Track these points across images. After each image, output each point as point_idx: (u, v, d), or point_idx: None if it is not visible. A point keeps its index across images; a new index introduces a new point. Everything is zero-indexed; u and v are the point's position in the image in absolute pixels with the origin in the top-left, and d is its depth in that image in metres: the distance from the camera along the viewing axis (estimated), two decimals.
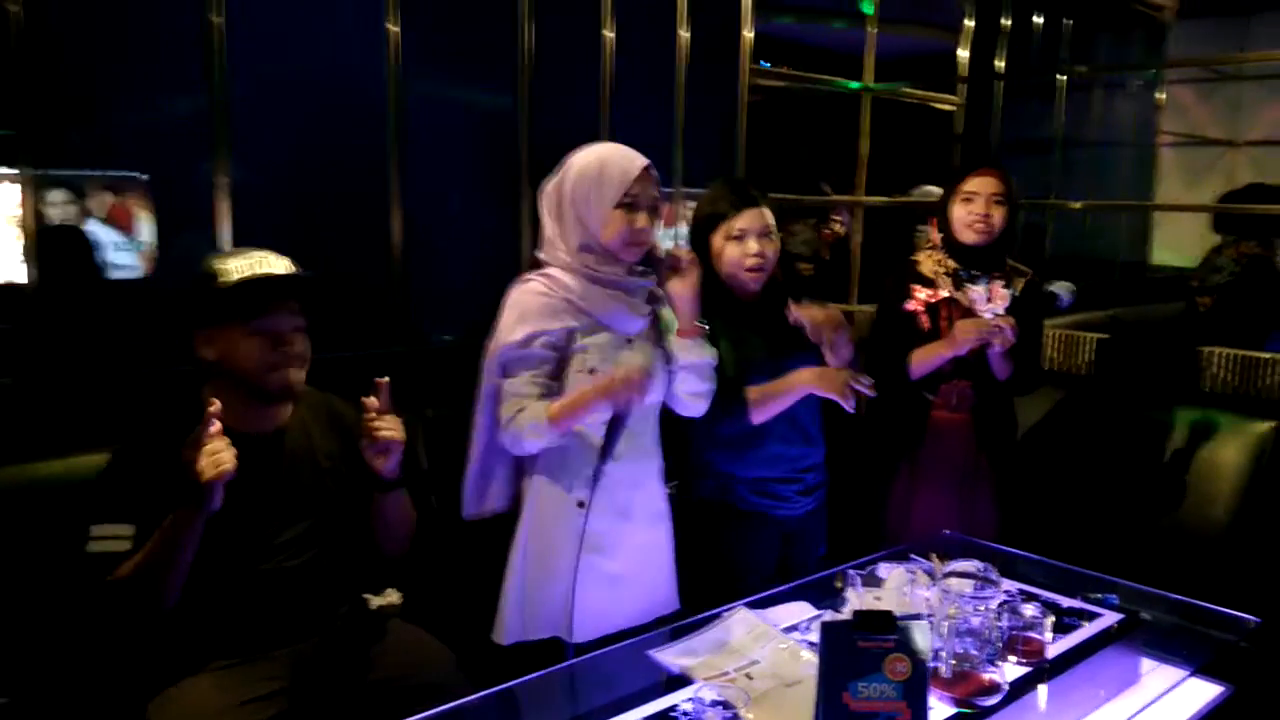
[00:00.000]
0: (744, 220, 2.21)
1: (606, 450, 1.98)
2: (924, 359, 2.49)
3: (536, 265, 2.03)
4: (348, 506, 1.88)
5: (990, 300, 2.38)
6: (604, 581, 2.01)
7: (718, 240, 2.23)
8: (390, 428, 1.77)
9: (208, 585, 1.71)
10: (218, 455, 1.58)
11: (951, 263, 2.54)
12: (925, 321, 2.54)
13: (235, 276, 1.72)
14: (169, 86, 2.42)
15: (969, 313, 2.44)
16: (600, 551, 2.01)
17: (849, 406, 2.14)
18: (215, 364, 1.76)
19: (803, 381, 2.19)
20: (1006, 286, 2.41)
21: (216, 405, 1.59)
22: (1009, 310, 2.41)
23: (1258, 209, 3.77)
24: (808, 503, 2.36)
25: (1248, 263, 3.50)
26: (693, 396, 2.09)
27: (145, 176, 2.47)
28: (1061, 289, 2.42)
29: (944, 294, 2.52)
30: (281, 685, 1.74)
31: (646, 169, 1.95)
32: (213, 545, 1.67)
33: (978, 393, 2.54)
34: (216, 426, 1.59)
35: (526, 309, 1.94)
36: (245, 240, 2.30)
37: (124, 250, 2.46)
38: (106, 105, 2.35)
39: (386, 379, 1.78)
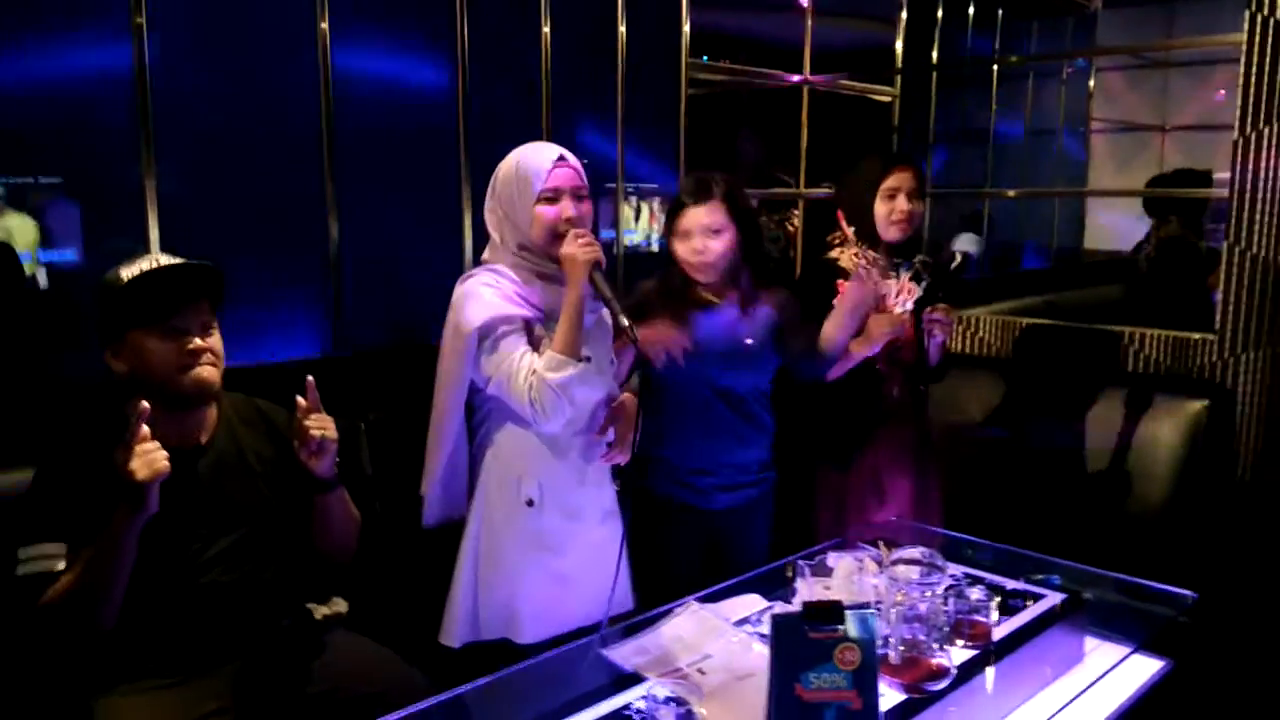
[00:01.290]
0: (688, 218, 2.24)
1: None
2: (842, 363, 2.44)
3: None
4: (284, 512, 1.83)
5: (899, 294, 2.41)
6: (552, 581, 2.00)
7: (673, 237, 2.28)
8: (322, 425, 1.74)
9: (141, 603, 1.66)
10: (150, 455, 1.53)
11: (871, 254, 2.51)
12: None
13: (126, 277, 1.68)
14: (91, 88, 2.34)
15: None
16: (549, 550, 2.00)
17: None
18: (128, 377, 1.70)
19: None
20: (917, 279, 2.43)
21: (144, 406, 1.55)
22: (924, 301, 2.46)
23: (1180, 192, 3.88)
24: (738, 497, 2.35)
25: (1165, 244, 3.62)
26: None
27: (59, 180, 2.38)
28: (968, 243, 2.43)
29: (911, 303, 2.49)
30: (222, 704, 1.70)
31: (560, 159, 1.96)
32: (144, 562, 1.62)
33: (912, 380, 2.57)
34: (146, 428, 1.54)
35: (481, 297, 1.92)
36: (176, 247, 2.24)
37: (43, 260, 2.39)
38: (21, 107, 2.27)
39: (312, 378, 1.74)
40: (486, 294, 1.92)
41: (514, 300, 1.94)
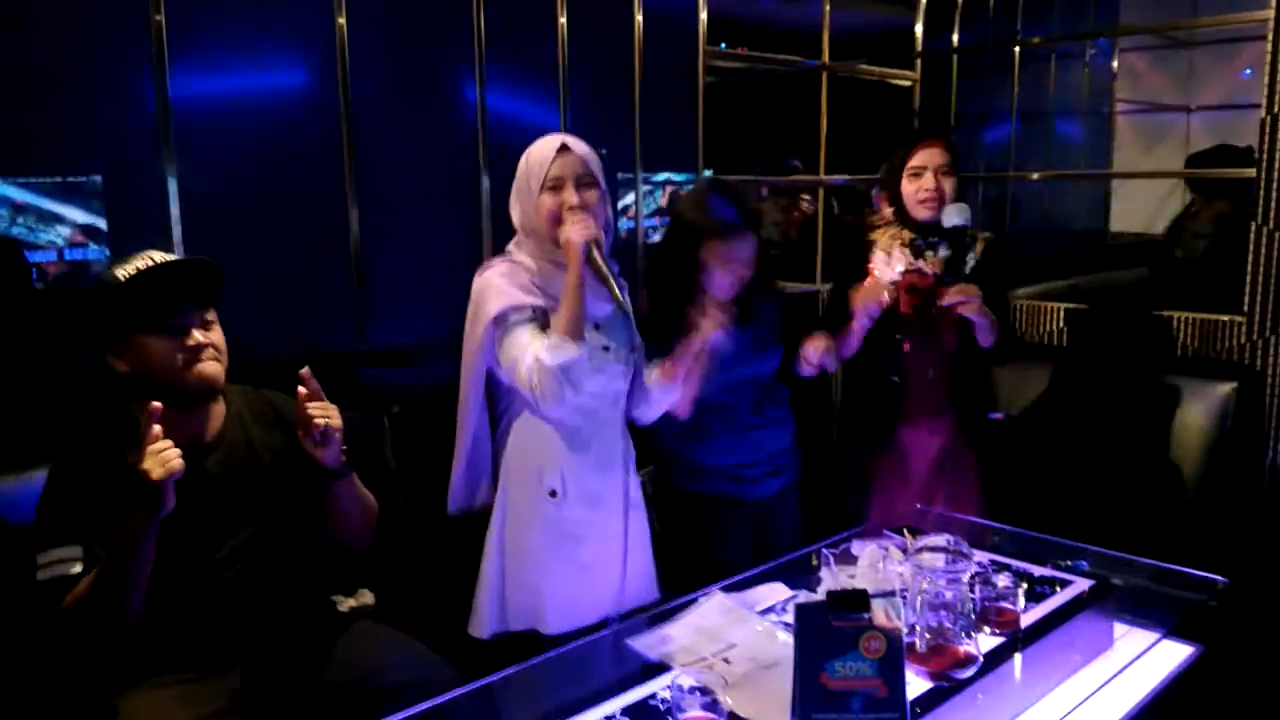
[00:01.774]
0: (723, 250, 2.20)
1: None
2: (841, 337, 2.41)
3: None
4: (297, 505, 1.84)
5: (890, 263, 2.37)
6: (577, 571, 2.00)
7: (704, 257, 2.21)
8: (326, 413, 1.74)
9: (159, 600, 1.67)
10: (164, 454, 1.54)
11: (907, 234, 2.49)
12: (893, 298, 2.46)
13: (123, 277, 1.68)
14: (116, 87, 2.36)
15: (927, 287, 2.40)
16: (573, 541, 2.00)
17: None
18: (133, 378, 1.71)
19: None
20: (917, 254, 2.40)
21: (156, 405, 1.55)
22: (971, 275, 2.40)
23: (1214, 173, 3.81)
24: (775, 485, 2.37)
25: (1222, 222, 3.51)
26: (656, 404, 2.13)
27: (99, 179, 2.40)
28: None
29: (900, 269, 2.45)
30: (243, 697, 1.71)
31: (563, 147, 1.96)
32: (160, 560, 1.63)
33: (948, 360, 2.49)
34: (158, 427, 1.55)
35: (498, 288, 1.95)
36: (200, 247, 2.26)
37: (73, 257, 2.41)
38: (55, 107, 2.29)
39: (307, 368, 1.74)
40: (502, 284, 1.95)
41: (529, 289, 1.95)
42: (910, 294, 2.39)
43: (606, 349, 1.98)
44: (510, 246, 2.06)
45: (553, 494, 1.98)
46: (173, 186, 2.39)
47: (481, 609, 2.01)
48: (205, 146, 2.46)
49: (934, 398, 2.51)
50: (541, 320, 1.95)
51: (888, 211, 2.56)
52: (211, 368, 1.73)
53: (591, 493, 2.02)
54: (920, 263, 2.40)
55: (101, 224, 2.40)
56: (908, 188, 2.48)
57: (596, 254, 1.90)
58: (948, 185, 2.45)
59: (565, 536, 2.00)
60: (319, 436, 1.74)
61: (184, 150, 2.40)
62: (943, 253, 2.45)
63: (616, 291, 1.90)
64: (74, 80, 2.29)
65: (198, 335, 1.71)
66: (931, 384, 2.49)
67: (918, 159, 2.46)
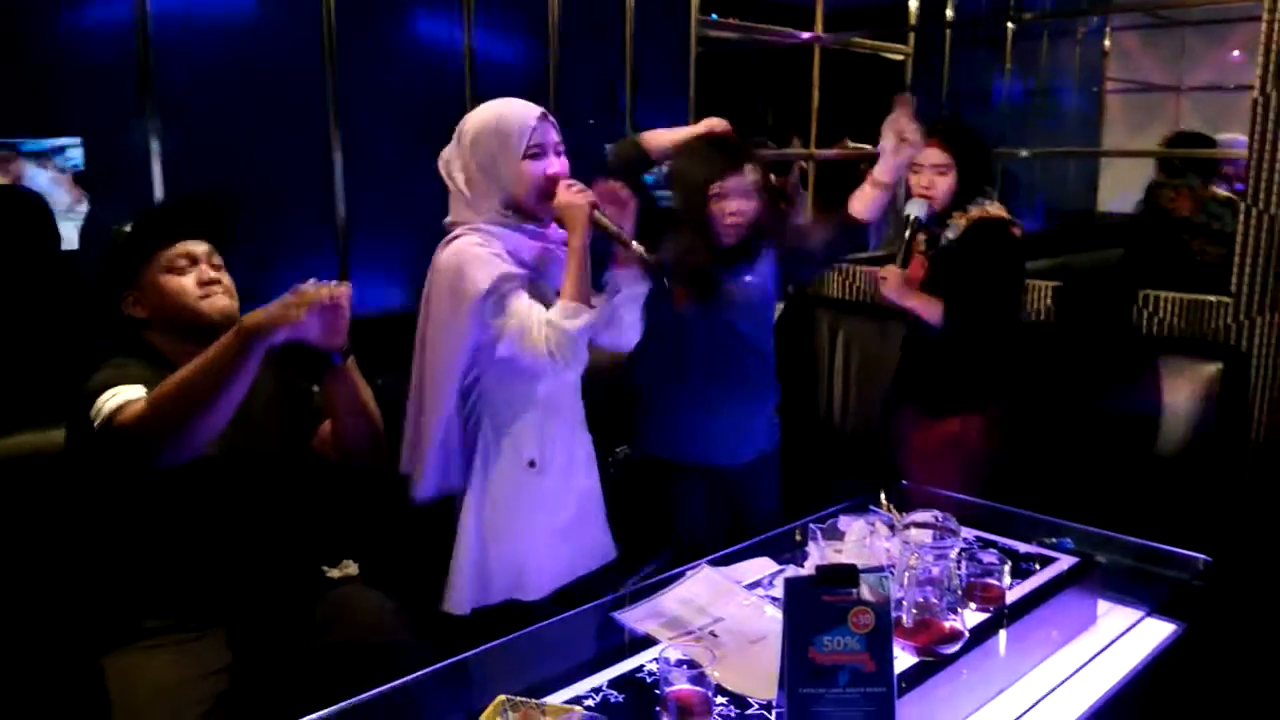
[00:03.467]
0: (729, 182, 2.26)
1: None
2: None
3: (444, 233, 1.96)
4: (295, 445, 1.86)
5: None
6: (555, 536, 2.01)
7: (708, 198, 2.27)
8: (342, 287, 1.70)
9: (151, 553, 1.68)
10: (303, 298, 1.54)
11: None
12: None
13: (132, 225, 1.75)
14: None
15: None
16: (551, 509, 2.01)
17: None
18: (150, 320, 1.74)
19: None
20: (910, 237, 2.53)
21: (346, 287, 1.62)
22: (943, 252, 2.52)
23: (1196, 152, 3.81)
24: (752, 452, 2.40)
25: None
26: (629, 325, 2.05)
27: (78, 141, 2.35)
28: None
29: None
30: (237, 655, 1.72)
31: (543, 115, 1.94)
32: (163, 510, 1.64)
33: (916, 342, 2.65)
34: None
35: (481, 258, 1.86)
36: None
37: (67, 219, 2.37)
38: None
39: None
40: (483, 253, 1.87)
41: (506, 259, 1.89)
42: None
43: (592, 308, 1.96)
44: (456, 215, 1.95)
45: (531, 464, 1.97)
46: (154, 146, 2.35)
47: (459, 586, 1.95)
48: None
49: (920, 379, 2.63)
50: (528, 289, 1.91)
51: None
52: (225, 301, 1.76)
53: (563, 459, 2.02)
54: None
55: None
56: (910, 177, 2.56)
57: (600, 215, 1.88)
58: (944, 183, 2.53)
59: (545, 505, 1.99)
60: (334, 315, 1.69)
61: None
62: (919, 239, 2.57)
63: (633, 244, 1.90)
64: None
65: (208, 270, 1.75)
66: (911, 365, 2.63)
67: (918, 155, 2.47)
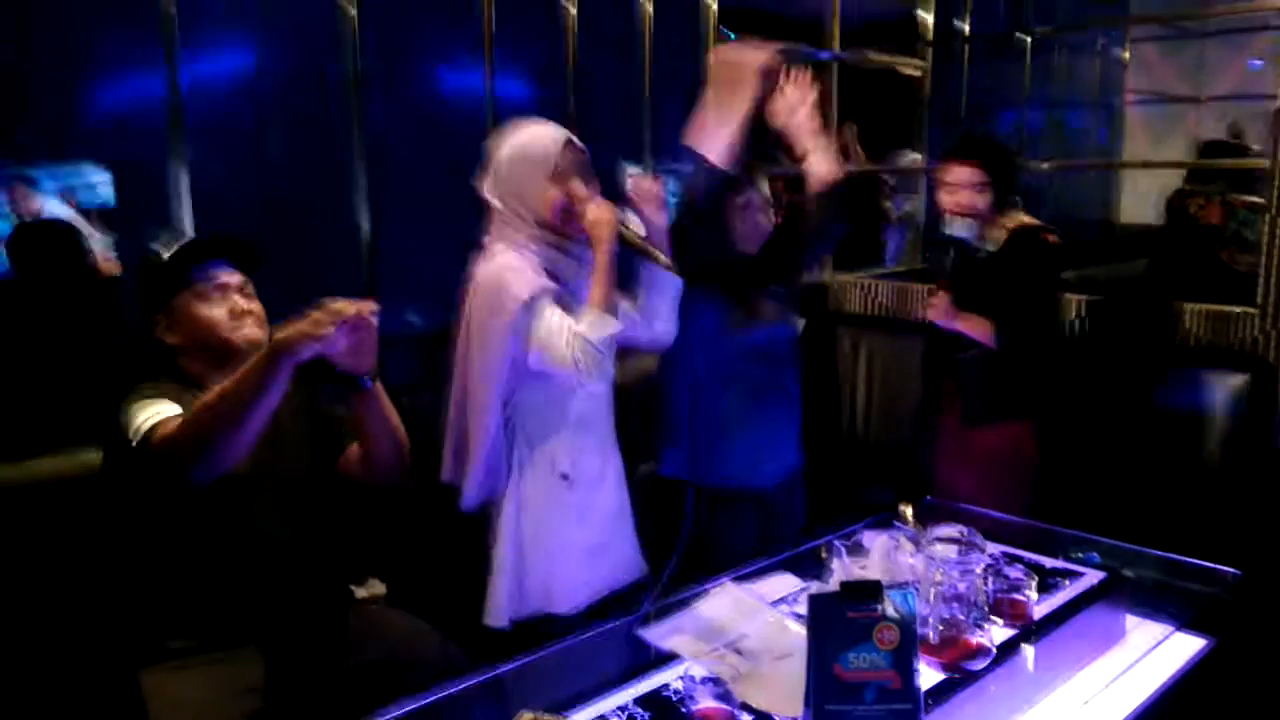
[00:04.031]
0: (748, 193, 2.32)
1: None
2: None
3: (477, 250, 2.01)
4: (323, 464, 1.90)
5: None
6: (586, 552, 2.04)
7: (727, 209, 2.30)
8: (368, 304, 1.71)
9: (188, 566, 1.71)
10: (331, 314, 1.55)
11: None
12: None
13: (167, 255, 1.78)
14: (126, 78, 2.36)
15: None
16: (583, 523, 2.03)
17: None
18: (180, 346, 1.78)
19: None
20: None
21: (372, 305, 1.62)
22: (983, 264, 2.49)
23: (1225, 163, 3.79)
24: (780, 472, 2.39)
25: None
26: (665, 317, 2.11)
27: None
28: (959, 226, 2.52)
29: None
30: (270, 674, 1.74)
31: (569, 140, 1.98)
32: (195, 525, 1.67)
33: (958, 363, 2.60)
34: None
35: (518, 271, 1.92)
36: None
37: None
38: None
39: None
40: (522, 267, 1.94)
41: (540, 273, 1.96)
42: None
43: None
44: (495, 233, 2.00)
45: (564, 477, 2.00)
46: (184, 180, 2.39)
47: (498, 597, 2.00)
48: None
49: (957, 397, 2.58)
50: (560, 303, 1.95)
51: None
52: (256, 332, 1.79)
53: (593, 473, 2.06)
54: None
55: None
56: (943, 197, 2.55)
57: (625, 230, 1.94)
58: (983, 201, 2.52)
59: (576, 519, 2.03)
60: (363, 338, 1.70)
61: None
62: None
63: (662, 257, 1.96)
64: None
65: (240, 302, 1.79)
66: (949, 383, 2.58)
67: (953, 175, 2.51)
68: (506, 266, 1.94)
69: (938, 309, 2.51)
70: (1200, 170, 3.83)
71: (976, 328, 2.51)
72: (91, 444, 1.84)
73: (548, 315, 1.90)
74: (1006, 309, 2.48)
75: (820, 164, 2.29)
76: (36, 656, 1.83)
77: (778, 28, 4.85)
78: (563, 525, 2.02)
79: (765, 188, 2.34)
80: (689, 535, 2.15)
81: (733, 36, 3.84)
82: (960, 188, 2.50)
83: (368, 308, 1.64)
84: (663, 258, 1.96)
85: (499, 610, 2.00)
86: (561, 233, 1.98)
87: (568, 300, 1.96)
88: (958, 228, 2.50)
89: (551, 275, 1.97)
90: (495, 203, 2.00)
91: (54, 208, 2.36)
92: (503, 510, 2.02)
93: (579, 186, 1.97)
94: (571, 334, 1.87)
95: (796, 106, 2.24)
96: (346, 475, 1.95)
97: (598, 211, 1.93)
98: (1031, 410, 2.59)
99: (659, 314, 2.09)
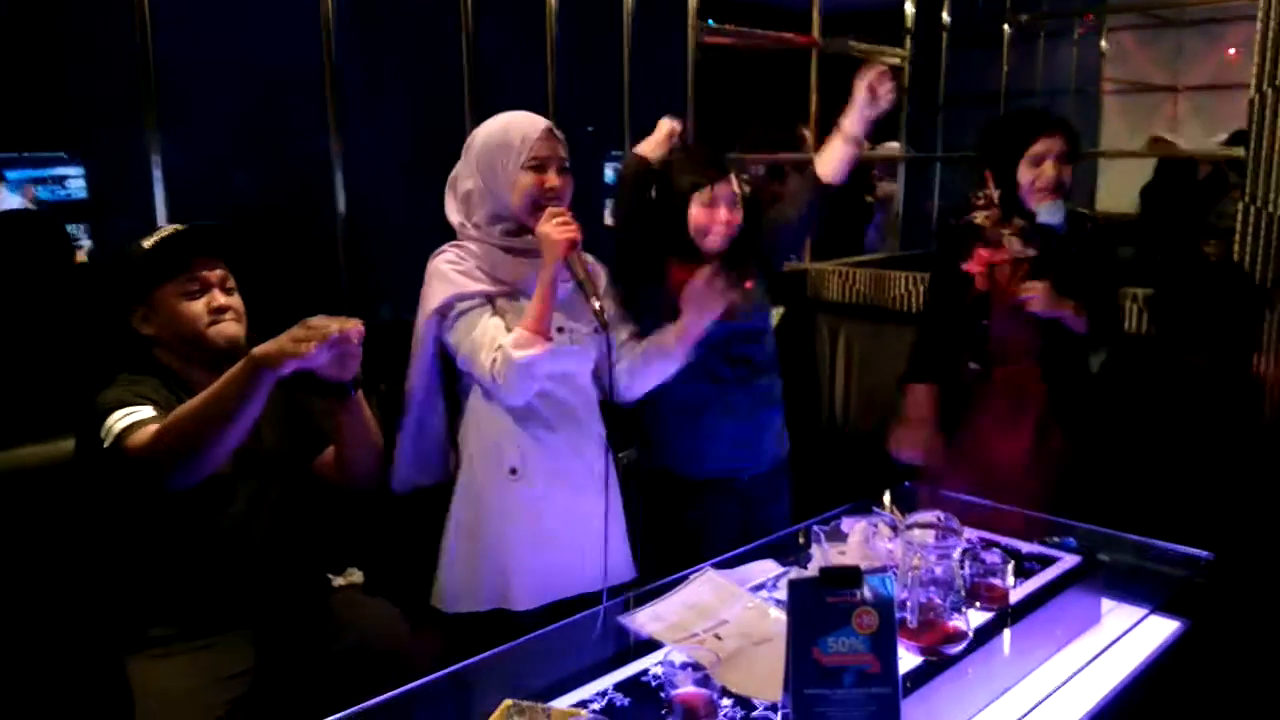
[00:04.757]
0: (717, 189, 2.22)
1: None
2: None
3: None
4: (302, 459, 1.89)
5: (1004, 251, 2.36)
6: (541, 548, 2.01)
7: (694, 207, 2.23)
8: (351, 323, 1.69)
9: (172, 556, 1.71)
10: (314, 332, 1.53)
11: (1018, 221, 2.41)
12: (982, 283, 2.42)
13: (148, 245, 1.75)
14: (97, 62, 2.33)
15: (1025, 272, 2.38)
16: (535, 518, 2.00)
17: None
18: (157, 337, 1.77)
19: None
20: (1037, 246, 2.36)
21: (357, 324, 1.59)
22: (1074, 259, 2.37)
23: (1200, 153, 3.81)
24: (765, 465, 2.37)
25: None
26: (649, 379, 2.10)
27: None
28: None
29: (1004, 255, 2.39)
30: (251, 662, 1.75)
31: (549, 130, 1.96)
32: (177, 517, 1.67)
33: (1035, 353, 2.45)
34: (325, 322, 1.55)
35: (444, 275, 1.96)
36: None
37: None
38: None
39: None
40: (448, 271, 1.96)
41: (473, 275, 1.95)
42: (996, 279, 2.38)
43: (561, 330, 1.96)
44: (457, 229, 2.02)
45: (513, 472, 1.99)
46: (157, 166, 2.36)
47: (445, 586, 2.02)
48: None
49: (1020, 390, 2.45)
50: (491, 306, 1.95)
51: (994, 192, 2.46)
52: (233, 328, 1.78)
53: (558, 472, 2.02)
54: (1030, 250, 2.35)
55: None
56: (1026, 174, 2.39)
57: (574, 257, 1.88)
58: (1067, 173, 2.39)
59: (526, 514, 2.00)
60: (347, 347, 1.67)
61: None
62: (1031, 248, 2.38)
63: (593, 299, 1.87)
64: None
65: (220, 296, 1.77)
66: (1017, 375, 2.44)
67: (1039, 146, 2.37)
68: (436, 269, 1.97)
69: (1042, 299, 2.31)
70: (1234, 162, 3.78)
71: (1074, 314, 2.35)
72: (67, 433, 1.82)
73: (470, 323, 1.92)
74: (1097, 296, 2.38)
75: (828, 165, 2.28)
76: (21, 644, 1.82)
77: (760, 15, 4.86)
78: (513, 521, 1.99)
79: (736, 184, 2.27)
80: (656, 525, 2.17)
81: (710, 23, 3.83)
82: (1050, 159, 2.36)
83: (352, 327, 1.62)
84: (596, 303, 1.87)
85: (444, 597, 2.01)
86: (522, 226, 1.97)
87: (522, 303, 1.94)
88: (1047, 212, 2.34)
89: (493, 277, 1.96)
90: (461, 192, 2.01)
91: (10, 201, 2.33)
92: (452, 500, 2.04)
93: (554, 179, 1.95)
94: (496, 347, 1.88)
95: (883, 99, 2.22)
96: (321, 478, 1.95)
97: (549, 226, 1.86)
98: (1072, 408, 2.49)
99: (638, 382, 2.09)
